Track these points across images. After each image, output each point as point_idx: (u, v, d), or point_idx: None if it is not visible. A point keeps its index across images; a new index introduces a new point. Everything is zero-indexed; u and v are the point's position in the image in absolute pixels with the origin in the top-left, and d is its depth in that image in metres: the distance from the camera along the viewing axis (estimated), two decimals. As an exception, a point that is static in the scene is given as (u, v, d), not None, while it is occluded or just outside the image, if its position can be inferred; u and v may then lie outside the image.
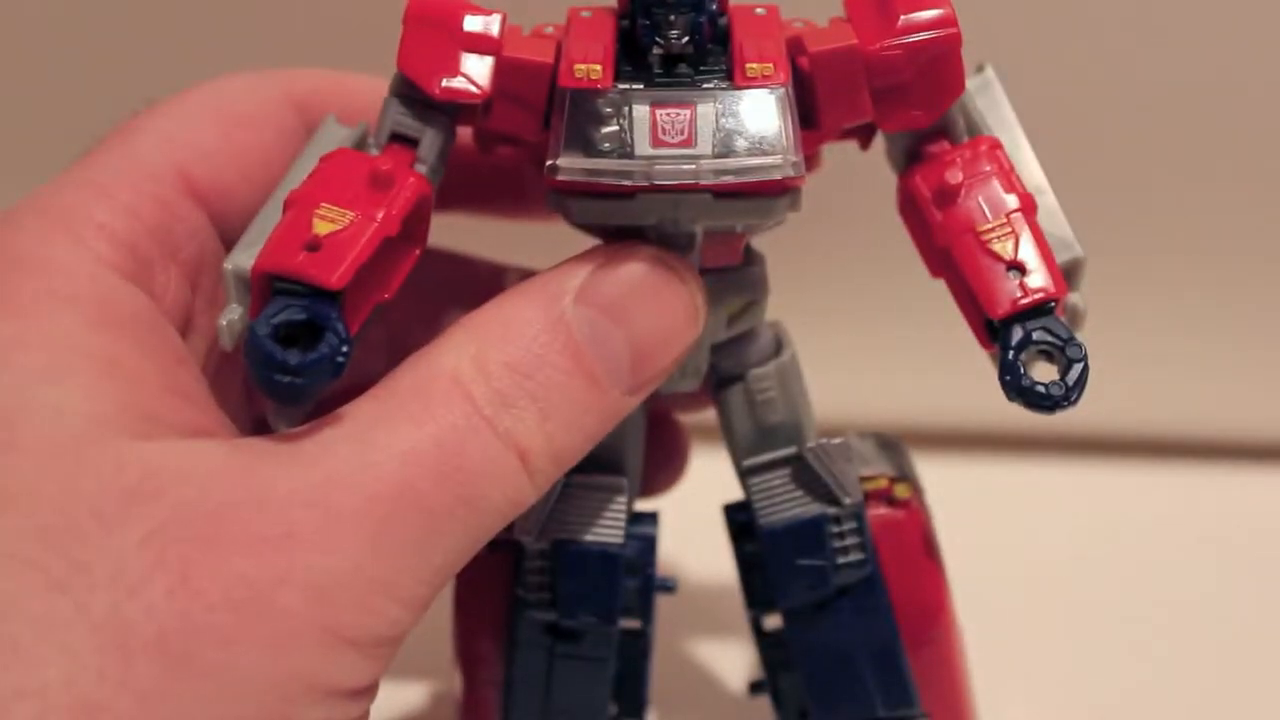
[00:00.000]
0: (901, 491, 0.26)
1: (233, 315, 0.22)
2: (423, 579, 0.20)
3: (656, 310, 0.23)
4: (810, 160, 0.24)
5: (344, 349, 0.21)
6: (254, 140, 0.25)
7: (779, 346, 0.26)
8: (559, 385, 0.22)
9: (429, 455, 0.20)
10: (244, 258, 0.22)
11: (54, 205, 0.23)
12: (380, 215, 0.21)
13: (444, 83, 0.22)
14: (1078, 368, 0.22)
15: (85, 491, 0.19)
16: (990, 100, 0.25)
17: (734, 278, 0.25)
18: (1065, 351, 0.22)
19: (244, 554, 0.19)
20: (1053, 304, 0.22)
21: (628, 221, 0.23)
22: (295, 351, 0.20)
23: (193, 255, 0.24)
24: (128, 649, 0.18)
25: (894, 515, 0.26)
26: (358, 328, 0.22)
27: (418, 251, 0.23)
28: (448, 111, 0.23)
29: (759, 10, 0.23)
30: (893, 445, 0.28)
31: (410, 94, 0.23)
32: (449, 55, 0.23)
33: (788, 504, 0.26)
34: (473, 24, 0.23)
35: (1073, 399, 0.22)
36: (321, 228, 0.21)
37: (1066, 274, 0.23)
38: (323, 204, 0.22)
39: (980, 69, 0.25)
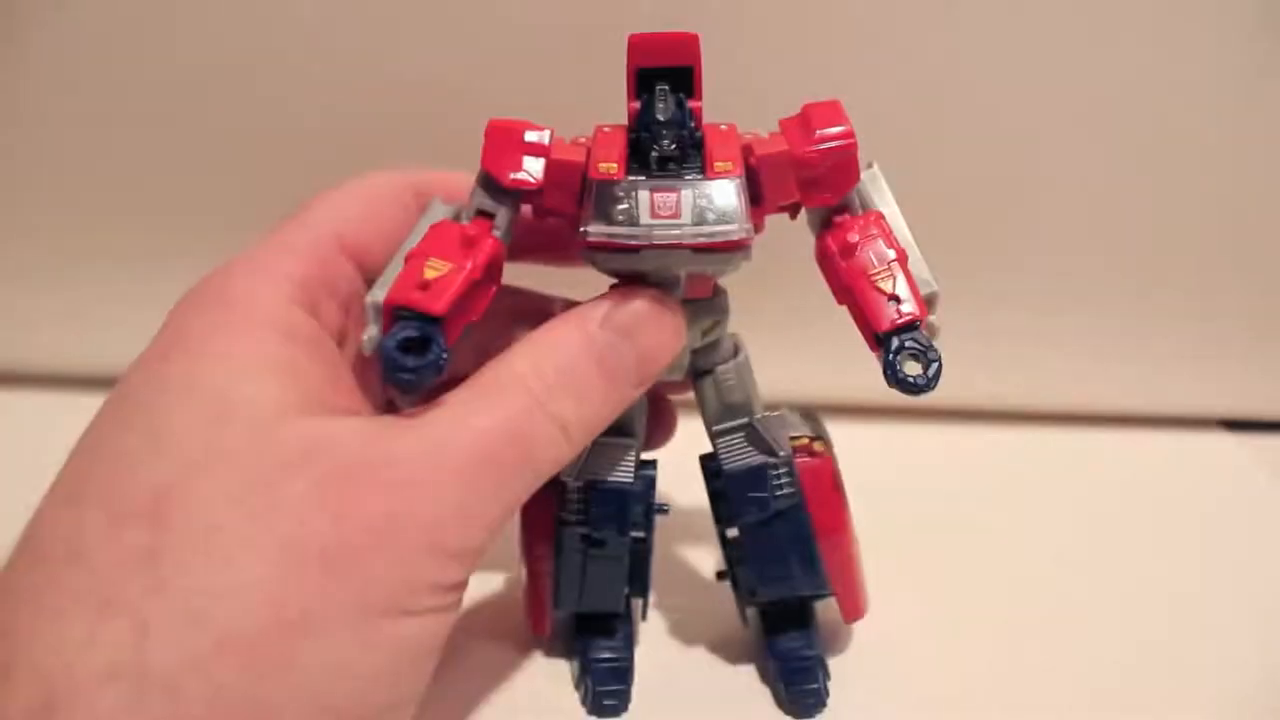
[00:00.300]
0: (818, 447, 0.31)
1: (371, 332, 0.26)
2: (498, 512, 0.25)
3: (654, 332, 0.27)
4: (756, 227, 0.27)
5: (444, 356, 0.25)
6: (387, 214, 0.30)
7: (736, 350, 0.31)
8: (589, 382, 0.26)
9: (503, 429, 0.25)
10: (379, 293, 0.26)
11: (257, 258, 0.28)
12: (469, 265, 0.26)
13: (511, 176, 0.27)
14: (935, 365, 0.26)
15: (271, 454, 0.23)
16: (876, 186, 0.29)
17: (706, 305, 0.30)
18: (926, 354, 0.26)
19: (379, 495, 0.23)
20: (919, 322, 0.27)
21: (635, 269, 0.27)
22: (412, 357, 0.25)
23: (346, 293, 0.29)
24: (301, 561, 0.22)
25: (812, 463, 0.30)
26: (455, 339, 0.26)
27: (495, 289, 0.28)
28: (514, 195, 0.28)
29: (722, 127, 0.28)
30: (811, 415, 0.33)
31: (489, 183, 0.28)
32: (515, 158, 0.27)
33: (743, 455, 0.30)
34: (531, 136, 0.27)
35: (932, 386, 0.26)
36: (429, 274, 0.26)
37: (927, 302, 0.28)
38: (430, 258, 0.26)
39: (869, 165, 0.30)
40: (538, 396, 0.25)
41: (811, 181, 0.28)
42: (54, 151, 0.45)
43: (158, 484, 0.22)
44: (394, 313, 0.26)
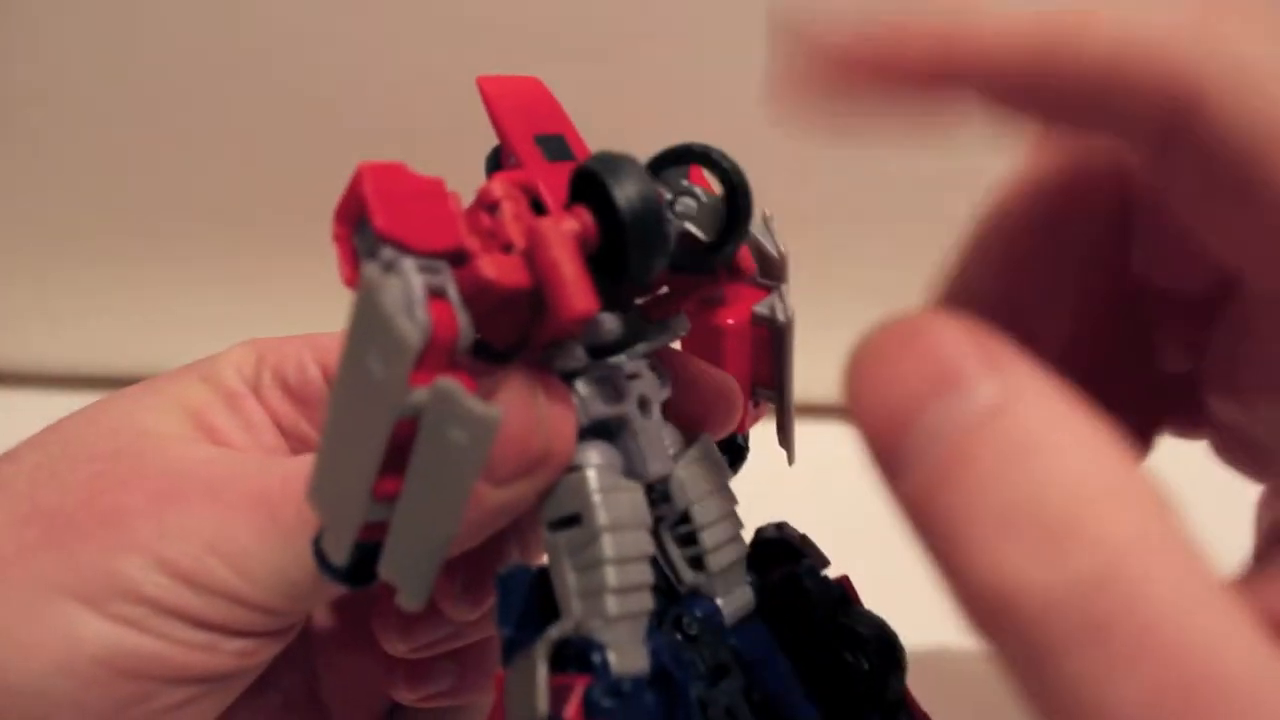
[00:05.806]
0: None
1: None
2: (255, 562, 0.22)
3: None
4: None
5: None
6: None
7: None
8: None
9: (289, 482, 0.22)
10: None
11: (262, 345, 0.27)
12: None
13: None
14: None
15: (104, 444, 0.23)
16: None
17: None
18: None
19: (144, 495, 0.22)
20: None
21: None
22: None
23: (296, 381, 0.27)
24: (28, 521, 0.22)
25: None
26: None
27: None
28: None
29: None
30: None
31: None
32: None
33: None
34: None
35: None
36: None
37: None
38: None
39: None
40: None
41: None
42: (52, 151, 0.45)
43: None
44: None
